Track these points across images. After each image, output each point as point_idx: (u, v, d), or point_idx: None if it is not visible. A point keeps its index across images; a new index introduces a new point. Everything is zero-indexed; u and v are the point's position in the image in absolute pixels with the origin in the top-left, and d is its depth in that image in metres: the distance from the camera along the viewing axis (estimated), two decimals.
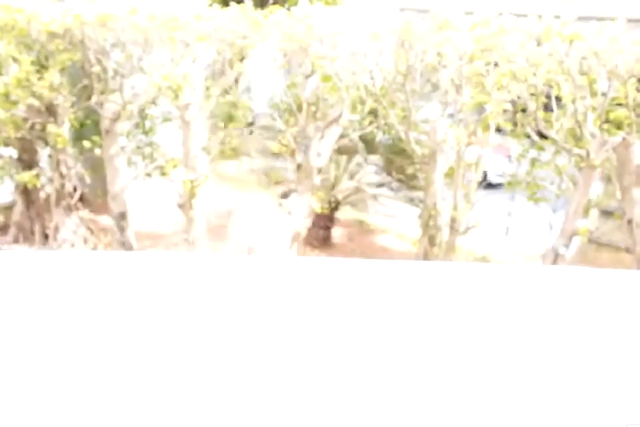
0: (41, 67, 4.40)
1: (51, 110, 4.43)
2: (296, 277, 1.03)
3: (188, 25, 4.27)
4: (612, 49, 3.66)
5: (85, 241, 4.78)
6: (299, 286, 0.98)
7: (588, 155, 3.88)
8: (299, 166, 4.50)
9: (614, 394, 0.69)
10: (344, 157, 5.92)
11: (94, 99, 4.54)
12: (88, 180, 4.82)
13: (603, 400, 0.67)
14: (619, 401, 0.67)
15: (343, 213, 6.66)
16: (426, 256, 4.33)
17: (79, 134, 5.20)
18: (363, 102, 4.47)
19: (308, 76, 4.45)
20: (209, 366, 0.76)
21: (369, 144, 5.83)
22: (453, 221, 4.21)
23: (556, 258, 4.01)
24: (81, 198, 4.84)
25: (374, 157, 6.05)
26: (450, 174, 4.41)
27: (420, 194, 5.40)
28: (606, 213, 4.96)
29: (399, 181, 6.18)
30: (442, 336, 0.83)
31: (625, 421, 0.64)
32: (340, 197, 5.95)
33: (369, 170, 5.90)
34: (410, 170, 5.55)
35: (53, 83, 4.27)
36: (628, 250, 4.16)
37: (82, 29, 4.22)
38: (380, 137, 5.77)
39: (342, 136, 4.81)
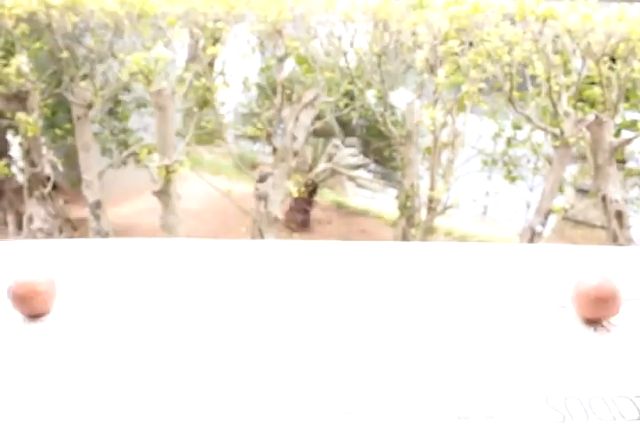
0: (7, 53, 4.28)
1: (20, 98, 4.33)
2: (275, 260, 1.02)
3: (159, 8, 4.18)
4: (585, 27, 3.68)
5: (60, 230, 4.71)
6: (278, 269, 0.97)
7: (562, 133, 3.91)
8: (274, 150, 4.47)
9: (593, 370, 0.70)
10: (321, 140, 5.89)
11: (64, 85, 4.44)
12: (61, 168, 4.73)
13: (583, 379, 0.68)
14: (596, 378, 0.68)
15: (321, 196, 6.66)
16: (404, 237, 4.35)
17: (51, 122, 5.10)
18: (338, 84, 4.44)
19: (282, 59, 4.40)
20: (191, 354, 0.75)
21: (346, 126, 5.81)
22: (431, 201, 4.23)
23: (533, 236, 4.06)
24: (54, 187, 4.75)
25: (351, 139, 6.04)
26: (426, 155, 4.42)
27: (397, 175, 5.41)
28: (581, 191, 5.03)
29: (377, 162, 6.19)
30: (422, 316, 0.83)
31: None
32: (317, 179, 5.93)
33: (346, 152, 5.88)
34: (387, 151, 5.56)
35: (21, 69, 4.16)
36: (602, 227, 4.23)
37: (48, 13, 4.10)
38: (356, 119, 5.76)
39: (318, 118, 4.78)
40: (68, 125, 4.92)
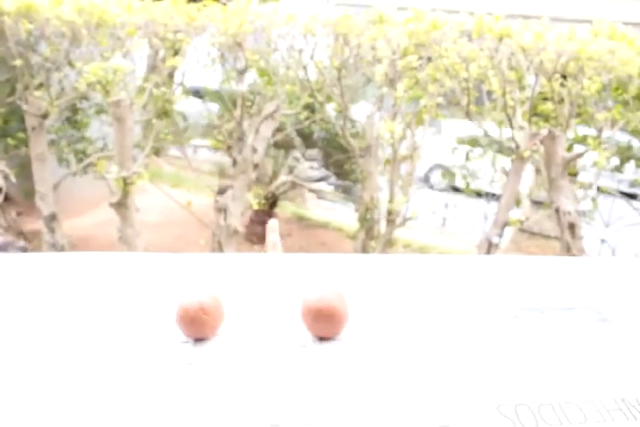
0: None
1: None
2: (235, 273, 1.01)
3: (119, 18, 4.14)
4: (537, 46, 3.80)
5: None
6: (238, 282, 0.97)
7: (517, 147, 4.01)
8: (234, 162, 4.45)
9: (548, 377, 0.71)
10: (281, 152, 5.90)
11: (18, 94, 4.33)
12: (14, 179, 4.60)
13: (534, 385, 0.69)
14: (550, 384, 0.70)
15: (282, 209, 6.65)
16: (364, 249, 4.37)
17: (3, 131, 4.96)
18: (298, 97, 4.46)
19: (242, 71, 4.40)
20: (139, 369, 0.73)
21: (306, 139, 5.83)
22: (390, 213, 4.28)
23: (490, 247, 4.14)
24: (6, 199, 4.62)
25: (312, 152, 6.06)
26: (386, 167, 4.47)
27: (357, 187, 5.45)
28: (537, 203, 5.17)
29: (337, 175, 6.22)
30: (380, 327, 0.83)
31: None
32: (277, 192, 5.93)
33: (307, 165, 5.90)
34: (347, 164, 5.60)
35: None
36: (557, 238, 4.34)
37: (1, 20, 4.01)
38: (317, 131, 5.79)
39: (279, 131, 4.79)
40: (21, 135, 4.79)
